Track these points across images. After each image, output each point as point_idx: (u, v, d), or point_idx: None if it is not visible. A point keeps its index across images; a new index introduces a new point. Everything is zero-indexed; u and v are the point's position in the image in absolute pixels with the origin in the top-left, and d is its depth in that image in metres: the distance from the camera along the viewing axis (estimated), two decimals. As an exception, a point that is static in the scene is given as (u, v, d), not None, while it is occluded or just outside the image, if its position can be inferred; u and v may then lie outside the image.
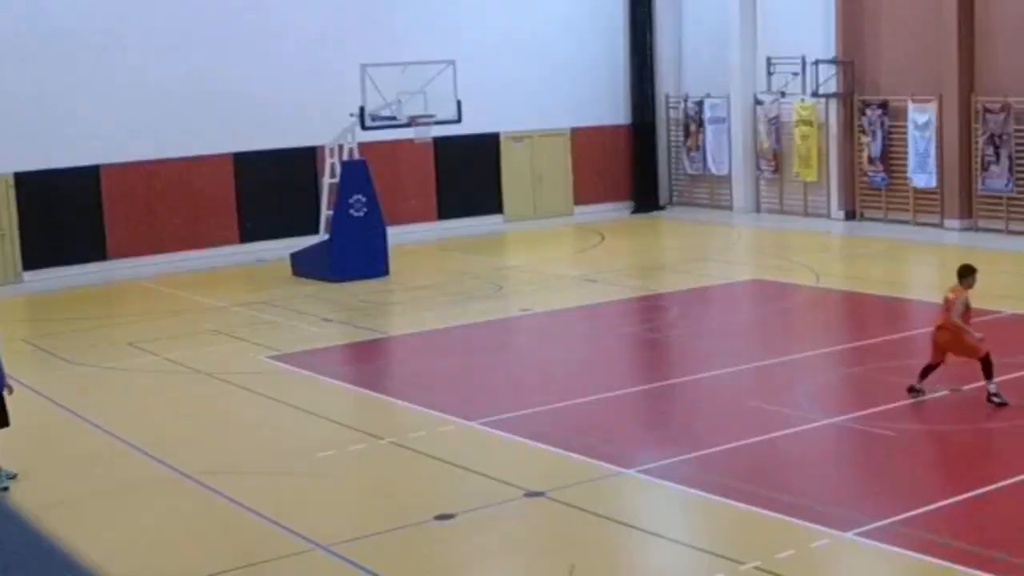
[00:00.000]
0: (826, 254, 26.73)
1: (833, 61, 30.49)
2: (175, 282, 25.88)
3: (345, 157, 25.78)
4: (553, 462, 13.29)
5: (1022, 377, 15.75)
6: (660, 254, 28.76)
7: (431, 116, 25.26)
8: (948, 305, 14.62)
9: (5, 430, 13.50)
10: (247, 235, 29.59)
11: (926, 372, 14.84)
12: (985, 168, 27.68)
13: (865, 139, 30.25)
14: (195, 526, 12.24)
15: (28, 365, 18.42)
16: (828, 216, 31.13)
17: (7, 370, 13.68)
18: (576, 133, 34.32)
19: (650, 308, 21.70)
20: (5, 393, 13.46)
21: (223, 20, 28.95)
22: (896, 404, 14.93)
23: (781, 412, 14.60)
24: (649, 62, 34.92)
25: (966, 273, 14.70)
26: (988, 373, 14.54)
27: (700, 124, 34.19)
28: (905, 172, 29.44)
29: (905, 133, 29.31)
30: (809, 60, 30.44)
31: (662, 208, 34.99)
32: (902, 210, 29.60)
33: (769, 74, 31.33)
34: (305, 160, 29.83)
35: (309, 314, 21.92)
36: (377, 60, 25.33)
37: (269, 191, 29.67)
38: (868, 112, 30.04)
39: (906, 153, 29.34)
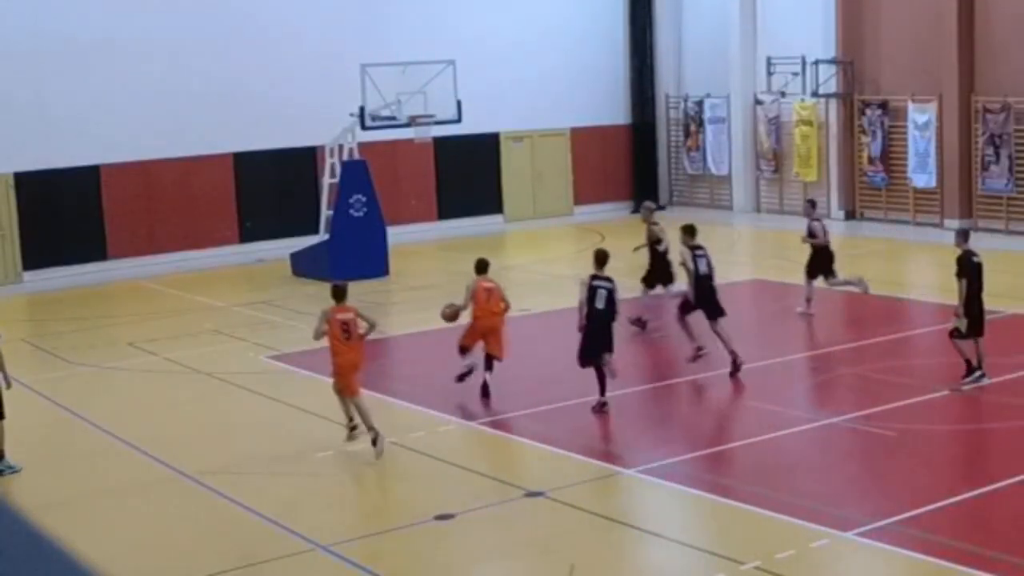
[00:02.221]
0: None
1: (833, 61, 30.49)
2: (175, 282, 25.87)
3: (345, 157, 25.79)
4: (553, 462, 13.29)
5: (1022, 377, 15.76)
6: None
7: (431, 116, 25.26)
8: (497, 293, 16.19)
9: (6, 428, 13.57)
10: (247, 235, 29.61)
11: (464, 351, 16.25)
12: (985, 168, 27.69)
13: (865, 139, 30.25)
14: (195, 526, 12.24)
15: (28, 365, 18.42)
16: (828, 216, 31.09)
17: (8, 369, 13.72)
18: (576, 133, 34.33)
19: (650, 308, 21.67)
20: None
21: (223, 20, 28.97)
22: (896, 404, 14.94)
23: (781, 412, 14.60)
24: (649, 62, 34.93)
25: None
26: (487, 364, 16.04)
27: (700, 124, 34.20)
28: (905, 172, 29.45)
29: (905, 133, 29.31)
30: (809, 60, 30.44)
31: (662, 208, 34.95)
32: (902, 210, 29.61)
33: (769, 74, 31.34)
34: (305, 160, 29.84)
35: (309, 314, 21.85)
36: (377, 60, 25.33)
37: (269, 191, 29.68)
38: (868, 112, 30.04)
39: (906, 153, 29.35)
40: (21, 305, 24.83)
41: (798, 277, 23.74)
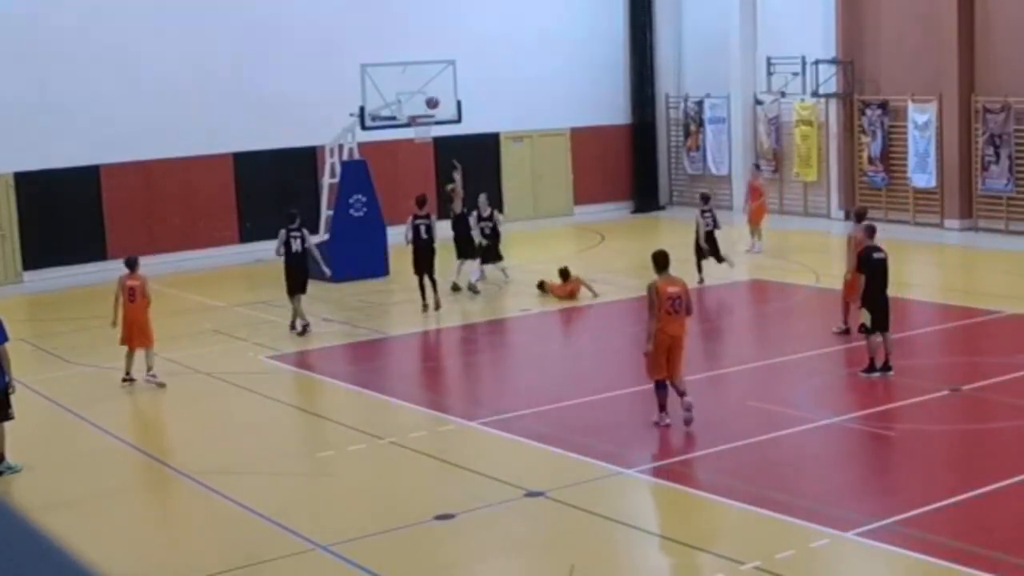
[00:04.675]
0: (826, 254, 26.69)
1: (833, 61, 30.50)
2: (175, 282, 25.84)
3: (345, 157, 25.79)
4: (553, 462, 13.29)
5: (1022, 377, 15.76)
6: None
7: (431, 116, 25.25)
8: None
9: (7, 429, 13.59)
10: (247, 235, 29.59)
11: None
12: (985, 168, 27.68)
13: (865, 139, 30.25)
14: (195, 526, 12.25)
15: (28, 365, 18.41)
16: (828, 216, 31.13)
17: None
18: (576, 133, 34.33)
19: (650, 308, 21.65)
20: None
21: (223, 20, 28.97)
22: (896, 404, 14.95)
23: (781, 412, 14.60)
24: (649, 62, 34.93)
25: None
26: None
27: (700, 124, 34.20)
28: (905, 172, 29.46)
29: (905, 133, 29.31)
30: (809, 60, 30.44)
31: (662, 208, 34.99)
32: (902, 210, 29.61)
33: (769, 74, 31.34)
34: (305, 160, 29.83)
35: (309, 314, 21.89)
36: (377, 60, 25.33)
37: (269, 191, 29.66)
38: (868, 112, 30.04)
39: (906, 153, 29.35)
40: (21, 305, 24.81)
41: (798, 277, 23.82)
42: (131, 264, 17.62)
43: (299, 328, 20.23)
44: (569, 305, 22.04)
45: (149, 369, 17.27)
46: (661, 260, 14.41)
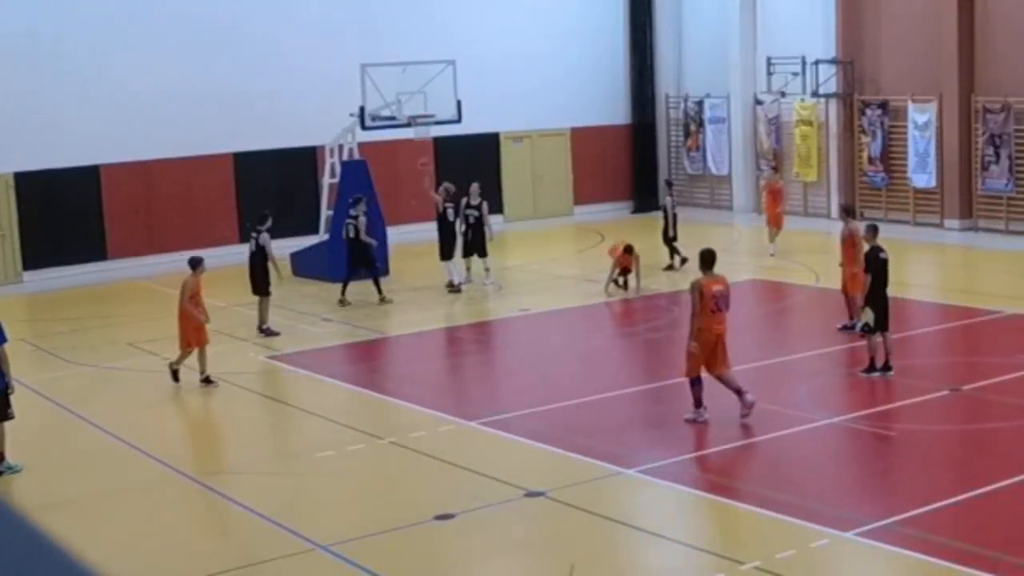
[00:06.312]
0: (826, 254, 26.69)
1: (833, 61, 30.49)
2: (175, 282, 25.67)
3: (345, 157, 25.78)
4: (553, 462, 13.29)
5: (1022, 377, 15.76)
6: (660, 254, 28.71)
7: (431, 116, 25.25)
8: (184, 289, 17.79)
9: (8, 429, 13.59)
10: (247, 235, 29.54)
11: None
12: (985, 168, 27.67)
13: (865, 139, 30.24)
14: (195, 526, 12.25)
15: (28, 365, 18.41)
16: (828, 216, 31.12)
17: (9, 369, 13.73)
18: (576, 133, 34.32)
19: (650, 308, 21.69)
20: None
21: (223, 20, 28.96)
22: (896, 404, 14.95)
23: (781, 412, 14.60)
24: (649, 62, 34.93)
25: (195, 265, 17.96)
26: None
27: (700, 124, 34.18)
28: (905, 172, 29.45)
29: (905, 133, 29.31)
30: (809, 60, 30.44)
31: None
32: (902, 210, 29.60)
33: (769, 74, 31.34)
34: (305, 160, 29.82)
35: (309, 314, 21.92)
36: (377, 60, 25.33)
37: (269, 191, 29.65)
38: (868, 112, 30.04)
39: (906, 153, 29.35)
40: (21, 305, 24.80)
41: (798, 277, 23.83)
42: (194, 263, 17.95)
43: (262, 329, 20.30)
44: (569, 305, 22.04)
45: (202, 372, 17.16)
46: (708, 258, 14.34)
